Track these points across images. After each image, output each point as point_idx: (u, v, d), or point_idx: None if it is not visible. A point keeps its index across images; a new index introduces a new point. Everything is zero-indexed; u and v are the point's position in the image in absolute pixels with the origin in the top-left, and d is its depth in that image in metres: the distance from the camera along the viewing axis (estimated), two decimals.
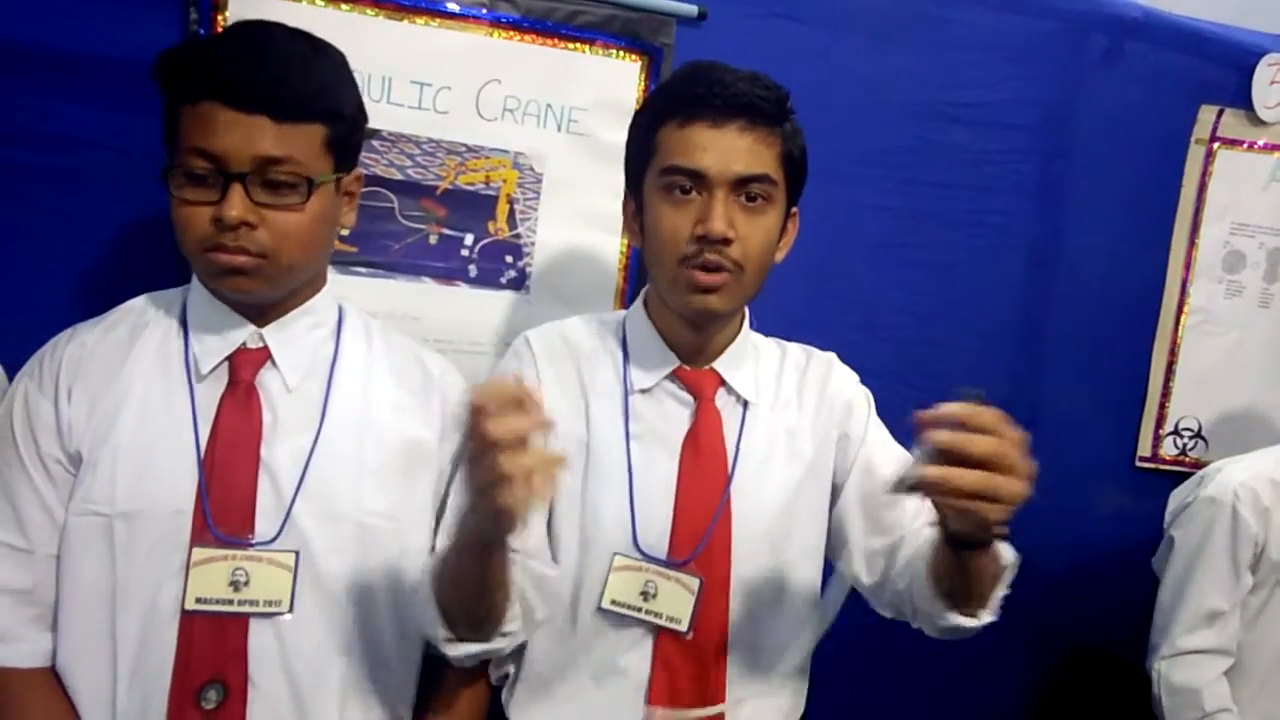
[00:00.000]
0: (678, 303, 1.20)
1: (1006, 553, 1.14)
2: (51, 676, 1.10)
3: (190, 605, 1.08)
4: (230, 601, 1.09)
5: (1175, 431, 2.09)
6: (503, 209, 1.61)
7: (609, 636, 1.20)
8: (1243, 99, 2.00)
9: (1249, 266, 2.08)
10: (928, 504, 1.06)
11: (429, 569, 1.10)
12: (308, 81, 1.07)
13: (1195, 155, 2.01)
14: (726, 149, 1.14)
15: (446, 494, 1.25)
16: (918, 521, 1.22)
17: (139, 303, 1.20)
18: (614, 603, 1.18)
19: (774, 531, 1.23)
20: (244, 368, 1.15)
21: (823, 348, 1.39)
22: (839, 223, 1.77)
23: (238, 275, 1.09)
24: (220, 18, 1.40)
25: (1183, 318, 2.06)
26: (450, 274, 1.60)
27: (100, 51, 1.38)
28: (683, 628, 1.18)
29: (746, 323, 1.30)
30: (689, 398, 1.25)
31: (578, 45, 1.60)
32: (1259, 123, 2.02)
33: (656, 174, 1.18)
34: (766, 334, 1.37)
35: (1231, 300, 2.08)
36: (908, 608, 1.22)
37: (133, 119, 1.37)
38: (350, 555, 1.15)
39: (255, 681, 1.09)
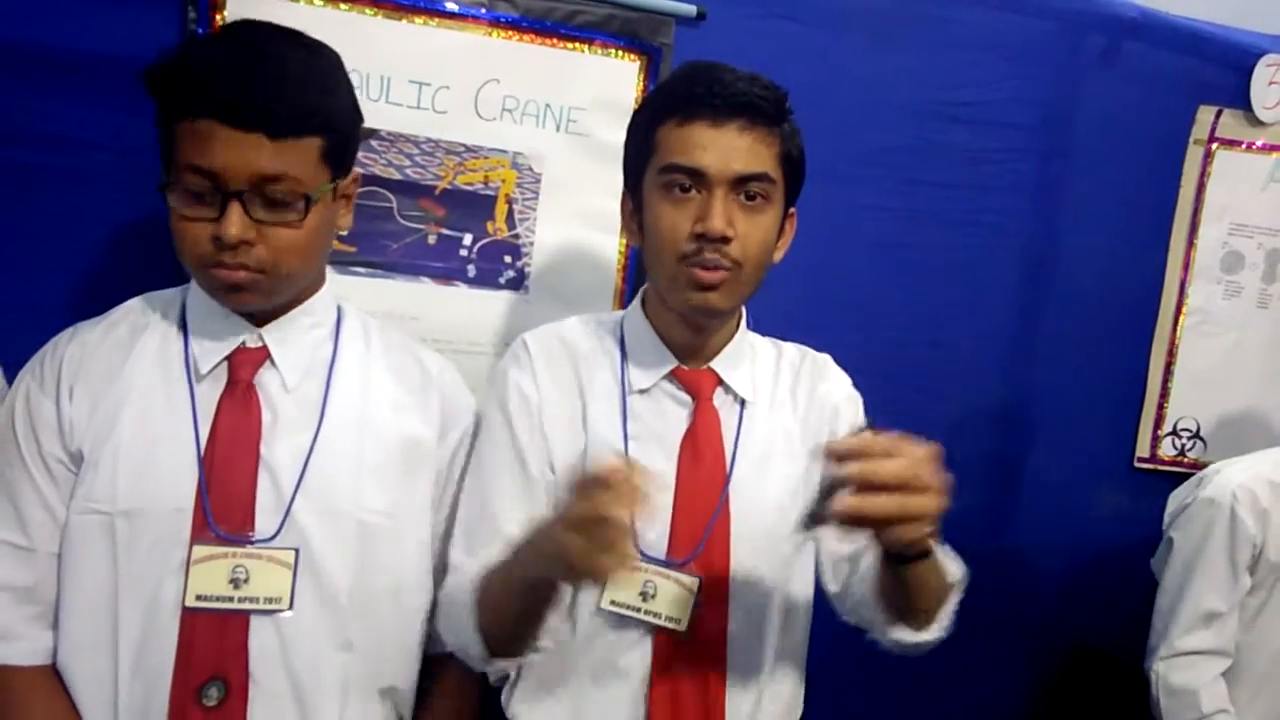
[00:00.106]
0: (677, 301, 1.20)
1: (954, 569, 1.16)
2: (52, 674, 1.10)
3: (191, 603, 1.08)
4: (230, 599, 1.09)
5: (1174, 432, 2.09)
6: (501, 209, 1.61)
7: (608, 637, 1.20)
8: (1241, 99, 2.01)
9: (1247, 267, 2.08)
10: None
11: (469, 595, 1.12)
12: (304, 95, 1.06)
13: (1194, 155, 2.02)
14: (726, 148, 1.14)
15: (455, 503, 1.27)
16: None
17: (139, 303, 1.21)
18: (613, 603, 1.19)
19: (773, 531, 1.23)
20: (243, 367, 1.15)
21: (821, 348, 1.39)
22: (837, 222, 1.77)
23: (238, 290, 1.10)
24: (218, 17, 1.40)
25: (1181, 318, 2.06)
26: (449, 274, 1.60)
27: (99, 51, 1.38)
28: (681, 627, 1.18)
29: (744, 322, 1.31)
30: (687, 397, 1.25)
31: (577, 45, 1.60)
32: (1257, 123, 2.02)
33: (656, 173, 1.18)
34: (766, 334, 1.37)
35: (1230, 301, 2.08)
36: (865, 618, 1.23)
37: (132, 119, 1.37)
38: (350, 552, 1.15)
39: (256, 678, 1.09)
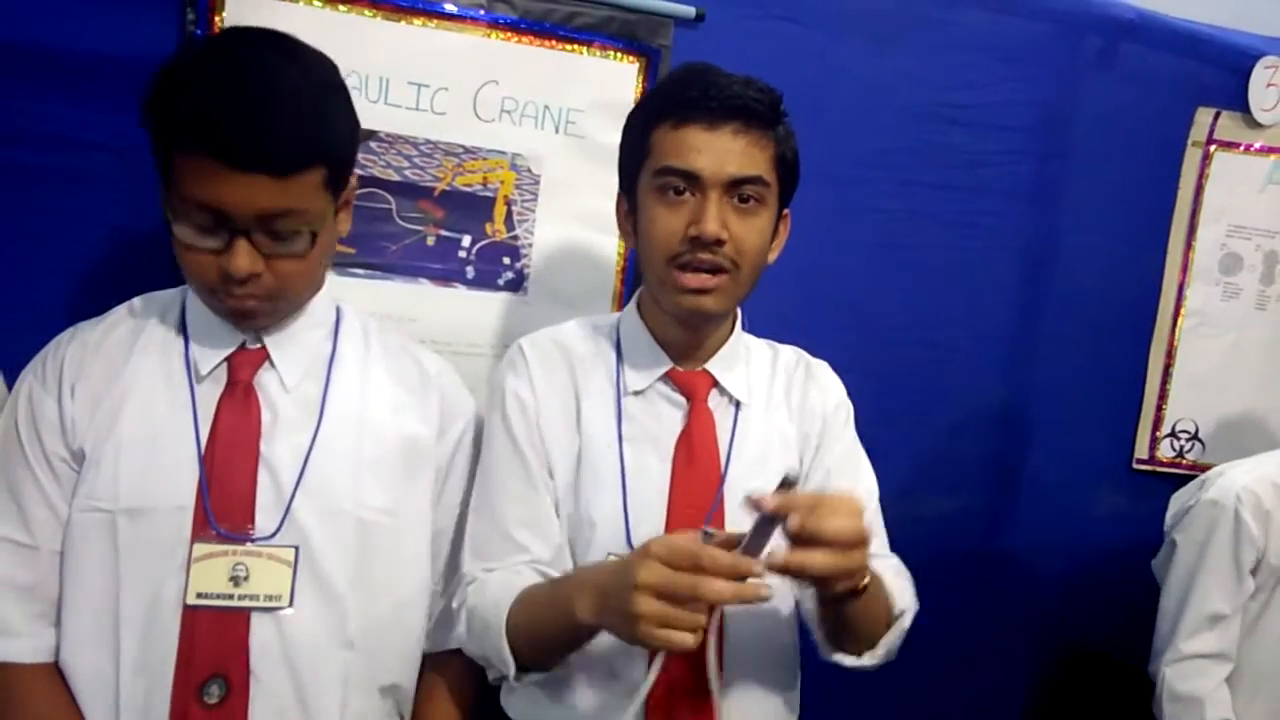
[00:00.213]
0: (669, 303, 1.21)
1: (900, 599, 1.17)
2: (54, 672, 1.11)
3: (192, 600, 1.08)
4: (231, 597, 1.09)
5: (1172, 434, 2.09)
6: (500, 210, 1.61)
7: (604, 637, 1.20)
8: (1239, 101, 2.01)
9: (1245, 269, 2.09)
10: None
11: (500, 615, 1.13)
12: (305, 128, 1.04)
13: (1192, 157, 2.02)
14: (721, 151, 1.15)
15: (455, 501, 1.28)
16: None
17: (138, 303, 1.21)
18: None
19: None
20: (243, 368, 1.16)
21: (820, 349, 1.39)
22: (836, 224, 1.77)
23: (247, 317, 1.12)
24: (217, 19, 1.41)
25: (1179, 320, 2.06)
26: (448, 275, 1.60)
27: (98, 52, 1.38)
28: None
29: (739, 324, 1.31)
30: (681, 399, 1.26)
31: (575, 46, 1.60)
32: (1255, 125, 2.03)
33: (650, 175, 1.18)
34: (765, 335, 1.38)
35: (1228, 303, 2.08)
36: (811, 636, 1.24)
37: (131, 120, 1.34)
38: (350, 550, 1.15)
39: (257, 675, 1.10)
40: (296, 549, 1.13)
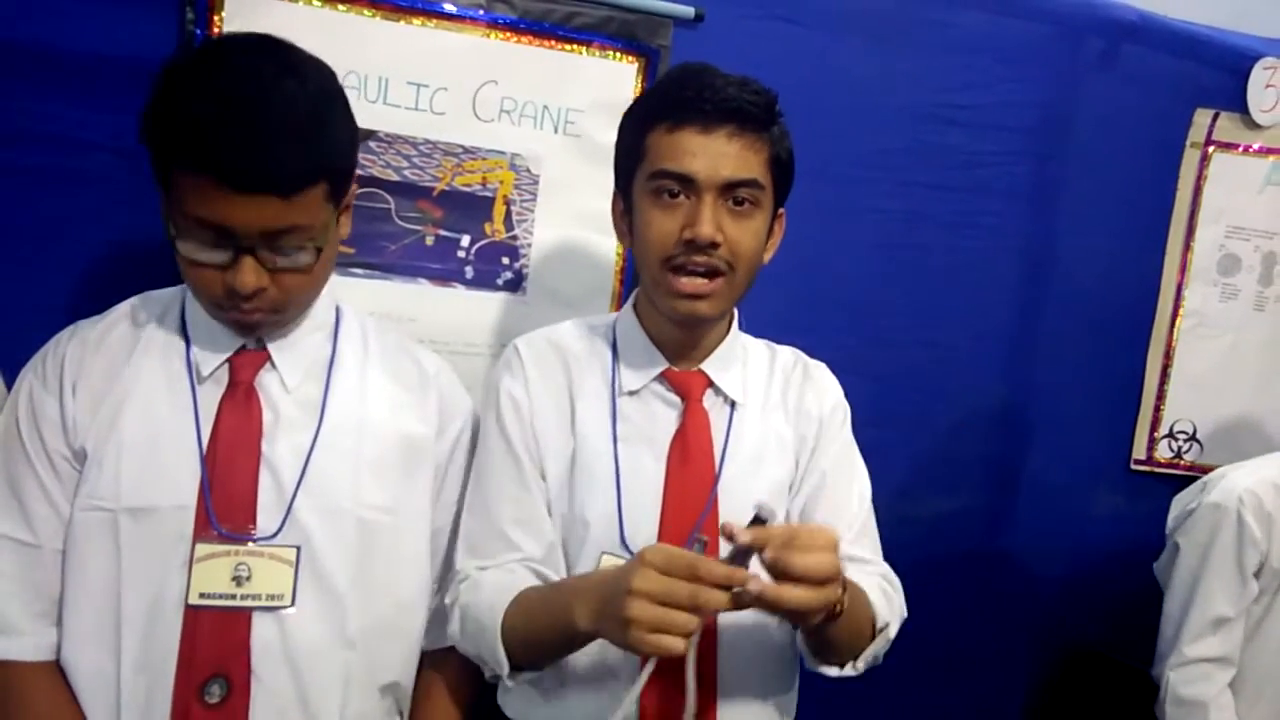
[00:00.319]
0: (664, 306, 1.21)
1: (883, 613, 1.18)
2: (55, 670, 1.11)
3: (194, 600, 1.09)
4: (233, 596, 1.10)
5: (1170, 434, 2.10)
6: (499, 210, 1.61)
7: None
8: (1238, 103, 2.01)
9: (1244, 270, 2.09)
10: (856, 526, 1.25)
11: (496, 617, 1.14)
12: (306, 146, 1.04)
13: (1190, 159, 2.02)
14: (715, 154, 1.15)
15: (455, 499, 1.28)
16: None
17: (138, 302, 1.21)
18: None
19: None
20: (244, 369, 1.16)
21: (818, 349, 1.39)
22: (835, 224, 1.78)
23: (251, 328, 1.14)
24: (216, 18, 1.41)
25: (1178, 321, 2.07)
26: (447, 275, 1.60)
27: (98, 52, 1.38)
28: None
29: (735, 324, 1.31)
30: (676, 399, 1.26)
31: (574, 47, 1.60)
32: (1254, 126, 2.03)
33: (645, 177, 1.19)
34: (764, 336, 1.38)
35: (1226, 303, 2.09)
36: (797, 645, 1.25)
37: (131, 120, 1.34)
38: (351, 550, 1.16)
39: (258, 675, 1.10)
40: (298, 549, 1.13)
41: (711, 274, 1.17)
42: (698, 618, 0.96)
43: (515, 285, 1.64)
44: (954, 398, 1.94)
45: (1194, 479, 1.81)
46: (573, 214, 1.64)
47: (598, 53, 1.61)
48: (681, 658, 0.97)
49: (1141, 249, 2.03)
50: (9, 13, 1.35)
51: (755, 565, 1.01)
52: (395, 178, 1.55)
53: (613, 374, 1.27)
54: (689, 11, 1.63)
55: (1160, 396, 2.07)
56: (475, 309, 1.62)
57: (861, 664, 1.19)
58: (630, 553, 1.19)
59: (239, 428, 1.14)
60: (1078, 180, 1.94)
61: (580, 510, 1.22)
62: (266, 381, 1.17)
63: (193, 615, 1.09)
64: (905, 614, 1.26)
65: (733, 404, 1.28)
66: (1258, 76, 2.00)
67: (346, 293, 1.37)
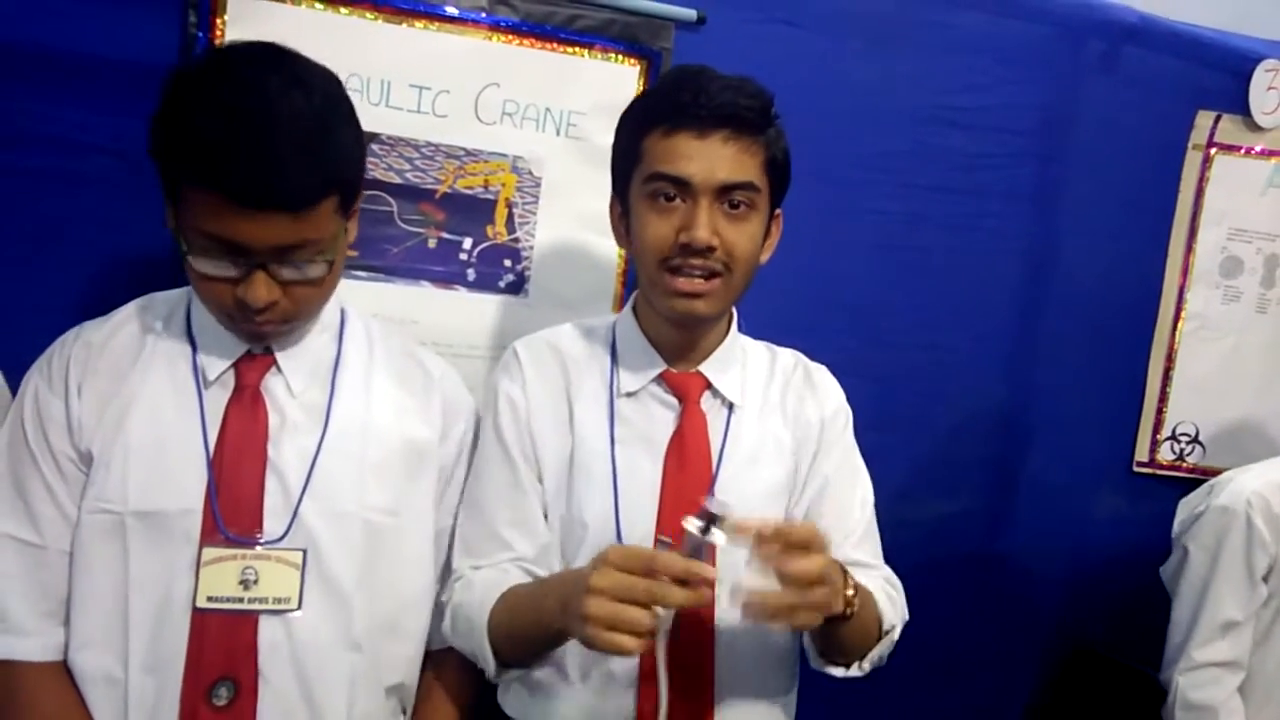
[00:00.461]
0: (662, 306, 1.22)
1: (889, 615, 1.19)
2: (62, 671, 1.11)
3: (202, 603, 1.09)
4: (240, 600, 1.10)
5: (1172, 437, 2.09)
6: (501, 213, 1.61)
7: None
8: (1240, 105, 2.01)
9: (1246, 272, 2.09)
10: (859, 531, 1.26)
11: (482, 615, 1.15)
12: (315, 160, 1.03)
13: (1192, 160, 2.02)
14: (711, 158, 1.15)
15: (458, 512, 1.28)
16: (842, 550, 1.23)
17: (143, 303, 1.21)
18: None
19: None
20: (250, 373, 1.17)
21: (820, 351, 1.39)
22: (836, 226, 1.78)
23: (261, 339, 1.15)
24: (219, 21, 1.41)
25: (1180, 323, 2.06)
26: (449, 278, 1.60)
27: (99, 54, 1.39)
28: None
29: (734, 325, 1.31)
30: (674, 400, 1.26)
31: (576, 49, 1.60)
32: (1256, 128, 2.03)
33: (642, 181, 1.19)
34: (765, 338, 1.38)
35: (1229, 306, 2.08)
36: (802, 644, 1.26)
37: (131, 122, 1.35)
38: (356, 552, 1.16)
39: (266, 677, 1.10)
40: (304, 552, 1.13)
41: (708, 275, 1.17)
42: (659, 614, 0.96)
43: (517, 287, 1.64)
44: (955, 400, 1.94)
45: (1197, 481, 1.80)
46: (574, 216, 1.64)
47: (599, 55, 1.61)
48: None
49: (1143, 251, 2.03)
50: (9, 13, 1.35)
51: (742, 568, 1.00)
52: (398, 180, 1.55)
53: (611, 375, 1.28)
54: (690, 14, 1.63)
55: (1162, 399, 2.07)
56: (477, 311, 1.62)
57: (867, 664, 1.20)
58: None
59: (245, 432, 1.14)
60: (1079, 182, 1.94)
61: (578, 511, 1.22)
62: (272, 385, 1.17)
63: (200, 618, 1.09)
64: (907, 616, 1.26)
65: (730, 406, 1.28)
66: (1259, 78, 2.00)
67: (349, 295, 1.37)
